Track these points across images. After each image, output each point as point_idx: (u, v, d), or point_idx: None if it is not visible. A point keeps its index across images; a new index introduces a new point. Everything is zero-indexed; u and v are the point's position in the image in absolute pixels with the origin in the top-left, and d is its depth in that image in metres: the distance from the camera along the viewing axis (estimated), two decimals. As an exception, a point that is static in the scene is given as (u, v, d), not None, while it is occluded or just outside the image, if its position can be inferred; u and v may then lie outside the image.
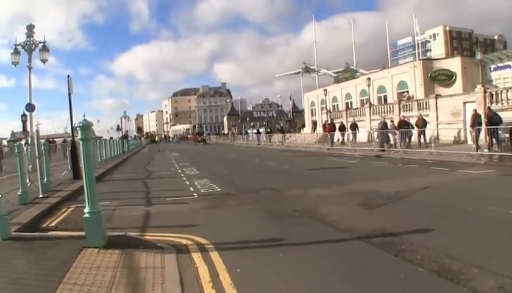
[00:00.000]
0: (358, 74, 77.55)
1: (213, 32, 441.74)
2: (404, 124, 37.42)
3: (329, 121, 56.27)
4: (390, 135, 37.40)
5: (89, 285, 7.20)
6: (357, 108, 63.95)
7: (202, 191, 19.77)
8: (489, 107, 33.04)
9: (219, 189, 20.19)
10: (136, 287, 7.23)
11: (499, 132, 28.07)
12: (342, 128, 51.18)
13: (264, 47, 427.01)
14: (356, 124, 49.41)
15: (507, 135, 27.67)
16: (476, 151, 27.80)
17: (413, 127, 36.18)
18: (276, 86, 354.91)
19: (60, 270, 7.88)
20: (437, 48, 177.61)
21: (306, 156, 41.31)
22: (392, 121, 39.80)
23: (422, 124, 35.91)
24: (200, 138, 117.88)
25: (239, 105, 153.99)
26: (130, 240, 10.55)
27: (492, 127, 27.71)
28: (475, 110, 31.83)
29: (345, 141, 49.30)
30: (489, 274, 7.23)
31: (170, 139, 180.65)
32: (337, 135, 50.08)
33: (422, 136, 36.33)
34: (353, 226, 11.15)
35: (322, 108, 78.23)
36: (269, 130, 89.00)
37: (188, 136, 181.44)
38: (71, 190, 20.24)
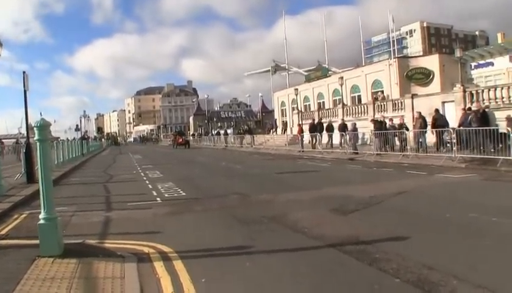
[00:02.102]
0: (330, 72, 77.29)
1: (180, 25, 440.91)
2: (379, 123, 37.09)
3: (317, 120, 54.18)
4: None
5: (43, 298, 7.08)
6: (329, 109, 64.16)
7: (166, 195, 19.70)
8: (436, 110, 33.61)
9: (183, 193, 20.14)
10: (94, 299, 7.12)
11: (445, 134, 29.86)
12: (330, 128, 47.75)
13: (235, 43, 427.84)
14: (346, 125, 44.86)
15: (453, 136, 28.46)
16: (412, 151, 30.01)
17: (407, 129, 35.09)
18: (245, 85, 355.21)
19: (10, 282, 7.69)
20: (414, 45, 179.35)
21: (276, 159, 41.45)
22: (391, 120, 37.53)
23: (424, 124, 33.70)
24: (181, 140, 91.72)
25: (206, 104, 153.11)
26: (88, 248, 10.44)
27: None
28: (465, 109, 31.89)
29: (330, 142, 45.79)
30: (470, 287, 7.18)
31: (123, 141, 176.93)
32: (324, 136, 47.01)
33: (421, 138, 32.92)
34: (324, 233, 11.13)
35: (293, 109, 78.23)
36: (240, 131, 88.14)
37: (154, 137, 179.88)
38: (24, 195, 19.93)
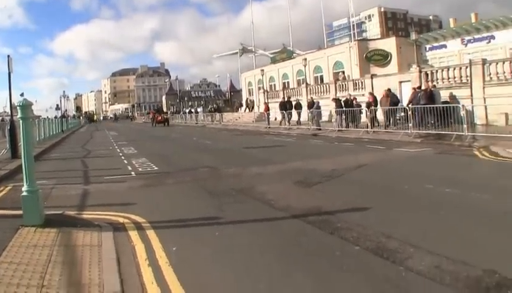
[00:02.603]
0: (294, 54, 77.10)
1: (153, 11, 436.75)
2: (339, 102, 37.22)
3: (285, 99, 52.77)
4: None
5: (26, 264, 7.06)
6: (294, 88, 63.83)
7: (140, 170, 19.72)
8: (389, 89, 33.92)
9: (156, 168, 20.15)
10: (73, 266, 7.13)
11: (397, 111, 30.80)
12: (298, 106, 48.21)
13: (204, 27, 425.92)
14: (314, 102, 43.22)
15: (402, 114, 29.71)
16: (372, 128, 30.91)
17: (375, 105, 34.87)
18: (215, 66, 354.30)
19: (-4, 249, 7.72)
20: (373, 29, 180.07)
21: (244, 135, 41.40)
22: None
23: (393, 102, 32.77)
24: (160, 118, 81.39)
25: (178, 85, 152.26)
26: (68, 218, 10.44)
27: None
28: (415, 88, 32.12)
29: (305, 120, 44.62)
30: (425, 254, 7.26)
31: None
32: (293, 113, 47.07)
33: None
34: (289, 205, 11.21)
35: (259, 88, 78.03)
36: (211, 109, 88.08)
37: (130, 115, 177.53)
38: (8, 169, 19.80)
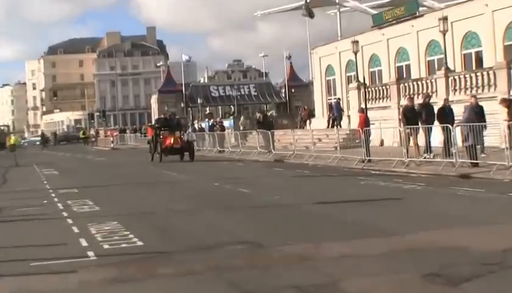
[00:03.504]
0: (421, 9, 76.11)
1: None
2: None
3: (420, 100, 47.81)
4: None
5: None
6: (420, 79, 63.26)
7: (106, 247, 19.63)
8: None
9: (140, 243, 20.03)
10: None
11: None
12: (445, 115, 42.29)
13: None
14: (482, 107, 40.20)
15: None
16: None
17: None
18: (258, 35, 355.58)
19: None
20: None
21: (317, 176, 41.60)
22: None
23: None
24: (172, 141, 70.23)
25: (183, 72, 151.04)
26: None
27: None
28: None
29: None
30: None
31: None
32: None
33: None
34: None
35: (348, 79, 77.52)
36: (256, 121, 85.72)
37: (91, 135, 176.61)
38: None
